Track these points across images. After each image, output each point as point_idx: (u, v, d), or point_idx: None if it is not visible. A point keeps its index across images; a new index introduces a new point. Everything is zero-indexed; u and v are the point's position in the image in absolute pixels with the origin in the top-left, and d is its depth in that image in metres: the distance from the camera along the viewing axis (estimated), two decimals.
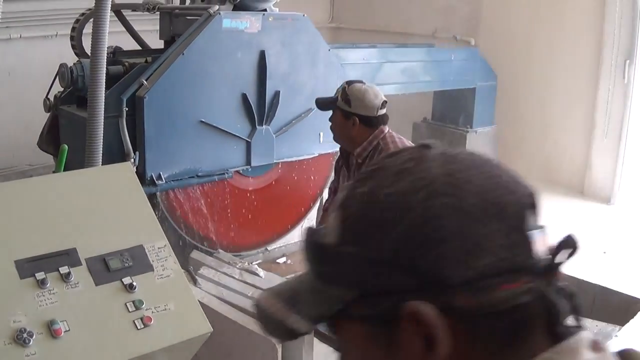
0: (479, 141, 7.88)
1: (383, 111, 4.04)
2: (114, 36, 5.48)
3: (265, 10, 5.41)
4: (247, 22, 5.15)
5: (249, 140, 5.35)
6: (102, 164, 4.41)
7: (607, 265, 5.98)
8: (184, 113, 5.00)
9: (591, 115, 7.80)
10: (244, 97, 5.25)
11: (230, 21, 5.07)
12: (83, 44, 5.61)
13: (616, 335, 4.67)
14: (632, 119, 7.55)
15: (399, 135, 4.16)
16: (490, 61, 8.00)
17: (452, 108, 7.97)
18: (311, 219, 6.19)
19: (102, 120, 3.55)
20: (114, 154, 4.62)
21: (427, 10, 8.92)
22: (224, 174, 5.33)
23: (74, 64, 5.07)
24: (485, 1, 8.49)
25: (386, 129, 4.08)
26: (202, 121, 5.07)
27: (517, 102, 8.40)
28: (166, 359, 2.76)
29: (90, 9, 5.46)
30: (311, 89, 5.61)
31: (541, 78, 8.20)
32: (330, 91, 5.75)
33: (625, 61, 7.38)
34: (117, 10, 5.76)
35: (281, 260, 5.82)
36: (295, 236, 6.09)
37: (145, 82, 4.78)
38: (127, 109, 4.72)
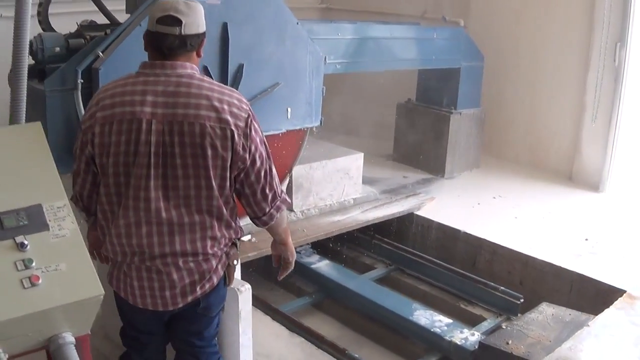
0: (463, 123, 7.76)
1: None
2: (94, 16, 5.52)
3: None
4: None
5: None
6: (61, 138, 4.42)
7: (589, 253, 5.91)
8: None
9: (581, 98, 7.64)
10: (205, 70, 5.15)
11: None
12: (50, 21, 5.67)
13: (588, 325, 4.61)
14: (623, 103, 7.37)
15: None
16: (479, 42, 7.87)
17: (436, 89, 7.85)
18: None
19: (25, 79, 3.51)
20: (74, 127, 4.50)
21: None
22: None
23: (34, 37, 5.03)
24: None
25: None
26: None
27: (506, 85, 8.28)
28: (62, 320, 2.75)
29: None
30: (277, 63, 5.54)
31: (530, 60, 8.07)
32: (298, 66, 5.72)
33: (616, 44, 7.21)
34: None
35: (246, 238, 5.77)
36: None
37: (101, 53, 4.71)
38: (82, 81, 4.65)
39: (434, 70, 7.68)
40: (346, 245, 6.79)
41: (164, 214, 2.80)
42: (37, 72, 5.03)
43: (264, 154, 2.92)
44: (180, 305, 2.95)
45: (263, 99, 5.50)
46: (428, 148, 7.92)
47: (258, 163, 2.88)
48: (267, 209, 2.99)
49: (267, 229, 3.17)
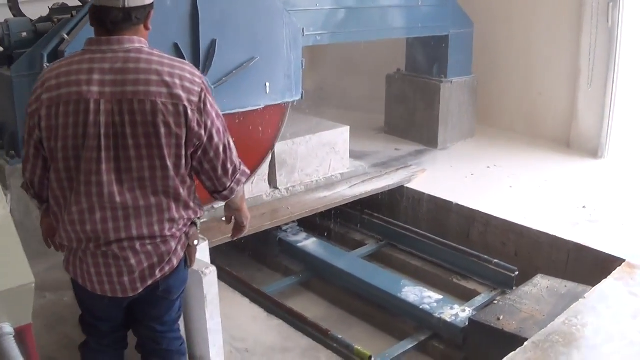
0: (454, 92, 7.52)
1: None
2: None
3: None
4: None
5: None
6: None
7: (587, 222, 5.69)
8: None
9: (575, 62, 7.39)
10: (176, 47, 4.97)
11: None
12: (21, 7, 5.51)
13: (584, 297, 4.41)
14: (619, 65, 7.10)
15: None
16: (470, 8, 7.62)
17: (426, 58, 7.62)
18: (262, 175, 5.96)
19: None
20: None
21: None
22: None
23: (0, 23, 4.88)
24: None
25: None
26: None
27: (498, 51, 8.04)
28: None
29: None
30: (252, 37, 5.33)
31: (523, 25, 7.82)
32: (274, 39, 5.51)
33: (609, 3, 6.93)
34: None
35: None
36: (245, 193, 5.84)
37: (66, 36, 4.53)
38: (48, 64, 4.46)
39: (422, 38, 7.44)
40: (336, 222, 6.59)
41: (117, 198, 2.65)
42: (6, 59, 4.95)
43: (220, 128, 2.76)
44: (140, 290, 2.81)
45: (240, 75, 5.32)
46: (419, 119, 7.70)
47: (216, 138, 2.73)
48: (228, 184, 2.88)
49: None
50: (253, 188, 5.91)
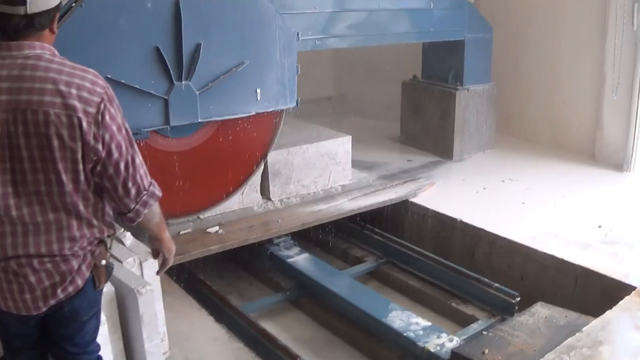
0: (471, 100, 7.13)
1: None
2: None
3: None
4: None
5: (166, 98, 4.83)
6: None
7: (600, 243, 5.28)
8: None
9: (600, 68, 6.92)
10: (157, 51, 4.72)
11: None
12: None
13: (581, 331, 4.01)
14: None
15: None
16: (492, 13, 7.27)
17: (442, 64, 7.26)
18: (253, 185, 5.67)
19: None
20: None
21: None
22: (136, 133, 4.84)
23: None
24: None
25: None
26: (107, 77, 4.56)
27: (522, 57, 7.64)
28: None
29: None
30: (241, 41, 5.07)
31: (546, 30, 7.41)
32: (265, 43, 5.23)
33: (634, 5, 6.47)
34: None
35: (213, 229, 5.33)
36: (234, 204, 5.59)
37: None
38: None
39: (438, 43, 7.09)
40: (336, 236, 6.30)
41: (14, 212, 2.48)
42: None
43: (122, 143, 2.53)
44: (43, 309, 2.63)
45: (228, 80, 5.07)
46: (435, 129, 7.33)
47: (115, 154, 2.51)
48: (132, 205, 2.63)
49: (138, 224, 2.79)
50: (244, 199, 5.64)
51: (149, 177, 2.68)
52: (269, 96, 5.32)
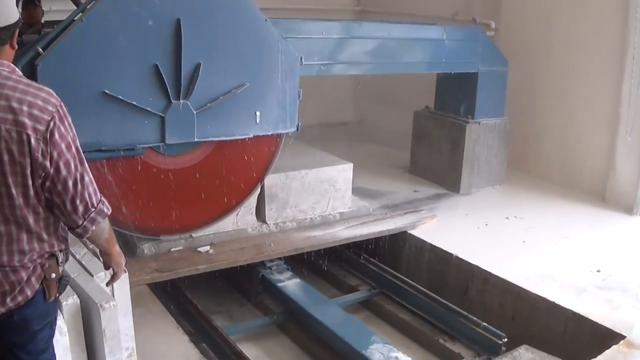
0: (482, 134, 7.05)
1: None
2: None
3: None
4: None
5: (163, 116, 4.86)
6: None
7: (595, 288, 5.15)
8: (83, 83, 4.55)
9: (616, 109, 6.80)
10: (156, 69, 4.76)
11: None
12: None
13: None
14: None
15: None
16: (509, 46, 7.19)
17: (454, 96, 7.19)
18: (248, 207, 5.66)
19: None
20: None
21: None
22: (131, 149, 4.88)
23: None
24: None
25: None
26: (105, 92, 4.63)
27: (537, 93, 7.54)
28: None
29: None
30: (242, 63, 5.09)
31: (563, 66, 7.31)
32: (266, 66, 5.23)
33: None
34: None
35: (203, 249, 5.33)
36: (228, 225, 5.57)
37: (41, 50, 4.42)
38: None
39: (452, 74, 7.01)
40: (333, 264, 6.24)
41: None
42: None
43: (71, 161, 2.59)
44: None
45: (227, 101, 5.08)
46: (444, 161, 7.26)
47: (64, 172, 2.58)
48: (80, 222, 2.69)
49: (88, 239, 2.87)
50: (238, 220, 5.63)
51: (98, 195, 2.73)
52: (268, 119, 5.32)
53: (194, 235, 5.44)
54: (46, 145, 2.51)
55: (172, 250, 5.28)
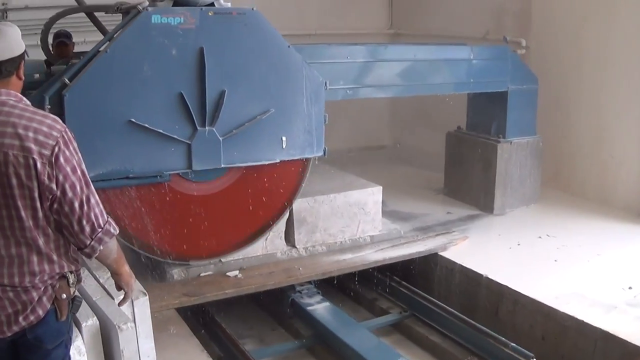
0: (514, 153, 7.00)
1: None
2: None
3: (212, 4, 5.01)
4: (181, 18, 4.77)
5: (189, 143, 4.96)
6: None
7: (626, 305, 5.06)
8: (110, 112, 4.70)
9: None
10: (181, 97, 4.88)
11: (160, 17, 4.72)
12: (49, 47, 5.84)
13: None
14: None
15: None
16: (541, 64, 7.15)
17: (485, 115, 7.16)
18: (277, 232, 5.71)
19: None
20: None
21: (479, 12, 8.27)
22: (158, 176, 4.98)
23: None
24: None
25: None
26: (131, 121, 4.76)
27: (571, 109, 7.44)
28: None
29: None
30: (266, 89, 5.17)
31: (595, 82, 7.21)
32: (291, 92, 5.29)
33: None
34: (90, 13, 5.69)
35: (232, 273, 5.39)
36: (257, 249, 5.63)
37: (67, 80, 4.57)
38: (49, 106, 4.50)
39: (482, 94, 7.01)
40: (364, 286, 6.24)
41: None
42: None
43: (76, 183, 2.75)
44: (8, 334, 2.82)
45: (252, 127, 5.15)
46: (476, 181, 7.22)
47: (70, 194, 2.73)
48: (88, 242, 2.82)
49: (96, 259, 3.00)
50: (267, 245, 5.68)
51: (105, 216, 2.86)
52: (295, 144, 5.38)
53: (223, 260, 5.51)
54: (52, 168, 2.67)
55: (201, 275, 5.35)
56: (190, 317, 5.30)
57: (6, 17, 7.39)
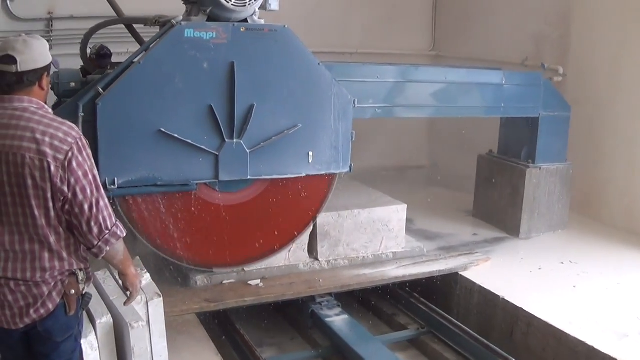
0: (543, 179, 7.04)
1: None
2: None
3: (245, 20, 5.21)
4: (214, 33, 4.97)
5: (217, 154, 5.14)
6: None
7: (639, 334, 5.08)
8: (141, 121, 4.89)
9: None
10: (211, 110, 5.07)
11: (193, 31, 4.92)
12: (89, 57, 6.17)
13: None
14: None
15: None
16: (577, 91, 7.17)
17: (516, 140, 7.21)
18: (301, 244, 5.85)
19: None
20: None
21: (519, 38, 8.30)
22: (185, 185, 5.17)
23: (53, 73, 5.21)
24: (574, 27, 7.69)
25: None
26: (161, 130, 4.96)
27: (604, 138, 7.44)
28: None
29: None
30: (296, 104, 5.33)
31: (631, 111, 7.18)
32: (320, 108, 5.44)
33: None
34: (129, 25, 5.92)
35: (254, 282, 5.55)
36: (280, 260, 5.78)
37: (101, 90, 4.78)
38: (82, 114, 4.72)
39: (514, 119, 7.08)
40: (384, 301, 6.35)
41: None
42: (56, 105, 5.27)
43: (87, 187, 2.98)
44: (21, 326, 3.04)
45: (280, 141, 5.30)
46: (504, 205, 7.27)
47: (80, 196, 2.97)
48: (95, 242, 3.06)
49: (104, 259, 3.21)
50: (290, 256, 5.82)
51: (113, 219, 3.07)
52: (321, 159, 5.51)
53: (246, 269, 5.67)
54: (65, 172, 2.90)
55: (224, 282, 5.52)
56: (216, 325, 5.51)
57: (51, 26, 7.69)
